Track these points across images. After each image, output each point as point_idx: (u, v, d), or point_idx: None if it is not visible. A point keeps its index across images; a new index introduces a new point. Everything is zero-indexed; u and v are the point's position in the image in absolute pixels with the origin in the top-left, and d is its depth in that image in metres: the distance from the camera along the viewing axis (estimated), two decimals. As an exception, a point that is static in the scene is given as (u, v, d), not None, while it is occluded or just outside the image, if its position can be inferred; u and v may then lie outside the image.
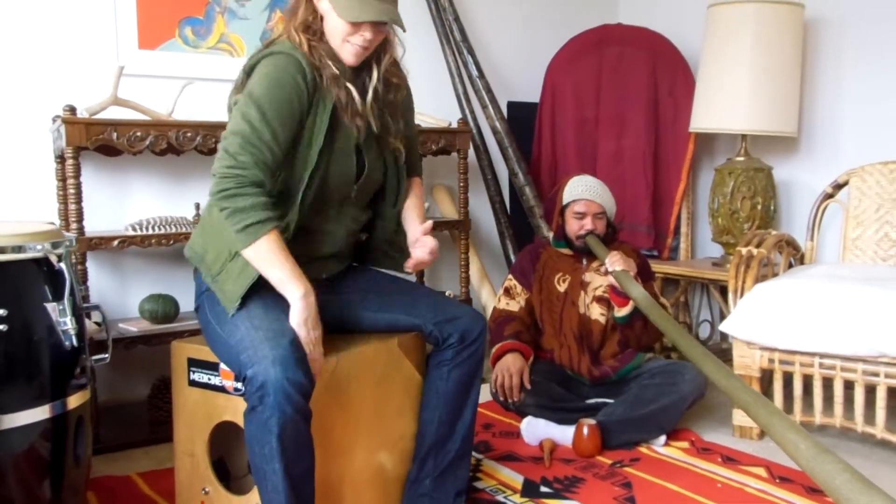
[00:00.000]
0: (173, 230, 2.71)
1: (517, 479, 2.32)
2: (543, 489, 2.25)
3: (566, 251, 2.86)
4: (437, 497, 2.01)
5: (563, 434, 2.55)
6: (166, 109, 2.77)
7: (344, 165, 1.85)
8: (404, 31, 1.83)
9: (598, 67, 3.77)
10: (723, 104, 3.29)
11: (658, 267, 3.46)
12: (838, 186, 3.12)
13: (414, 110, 2.07)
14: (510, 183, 3.74)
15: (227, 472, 1.94)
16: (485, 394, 2.28)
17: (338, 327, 2.00)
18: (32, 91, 2.76)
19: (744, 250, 2.75)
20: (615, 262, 2.57)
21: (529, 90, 3.93)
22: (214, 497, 1.88)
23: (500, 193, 3.69)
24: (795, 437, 1.42)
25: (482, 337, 1.99)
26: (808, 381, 2.54)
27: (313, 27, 1.80)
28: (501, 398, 2.68)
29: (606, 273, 2.61)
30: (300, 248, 1.77)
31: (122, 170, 2.93)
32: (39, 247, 1.68)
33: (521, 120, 3.82)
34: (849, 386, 2.45)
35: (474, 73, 3.56)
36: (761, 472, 2.36)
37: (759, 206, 3.35)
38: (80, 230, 2.51)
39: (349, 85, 1.80)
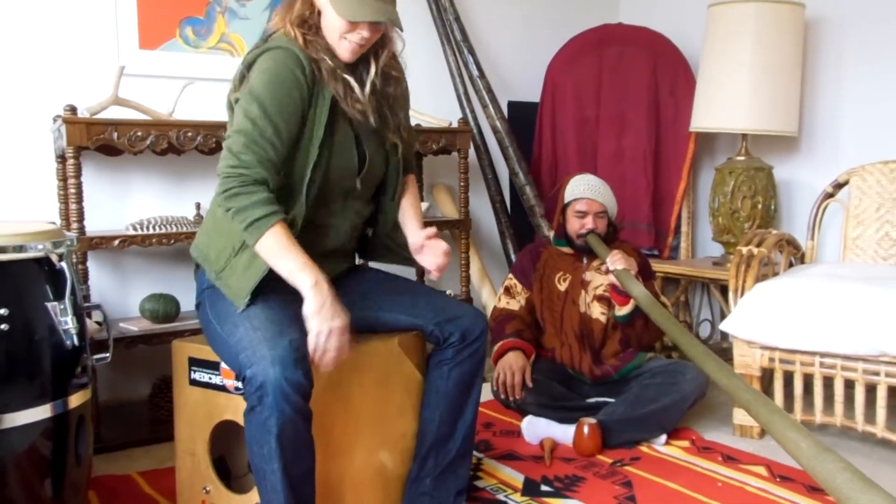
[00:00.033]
0: (174, 230, 2.71)
1: (518, 478, 2.32)
2: (544, 488, 2.25)
3: (567, 250, 2.86)
4: (438, 496, 2.01)
5: (564, 433, 2.55)
6: (167, 109, 2.77)
7: (345, 158, 1.85)
8: (402, 30, 1.83)
9: (598, 67, 3.77)
10: (723, 104, 3.29)
11: (658, 266, 3.46)
12: (839, 186, 3.12)
13: (409, 104, 2.07)
14: (511, 182, 3.75)
15: (228, 471, 1.94)
16: (486, 393, 2.28)
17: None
18: (33, 91, 2.76)
19: (744, 249, 2.75)
20: (616, 260, 2.57)
21: (530, 90, 3.93)
22: (215, 496, 1.88)
23: (501, 193, 3.69)
24: (796, 436, 1.42)
25: (483, 336, 1.99)
26: (808, 381, 2.54)
27: (309, 21, 1.80)
28: (503, 396, 2.68)
29: (607, 272, 2.61)
30: (305, 243, 1.77)
31: (123, 169, 2.94)
32: (40, 246, 1.68)
33: (521, 119, 3.82)
34: (849, 385, 2.45)
35: (475, 72, 3.56)
36: (762, 471, 2.36)
37: (760, 206, 3.35)
38: (81, 230, 2.51)
39: (347, 76, 1.80)
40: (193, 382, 1.89)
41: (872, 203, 3.01)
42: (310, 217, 1.81)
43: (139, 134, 2.56)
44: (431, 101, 3.49)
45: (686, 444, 2.58)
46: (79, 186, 2.50)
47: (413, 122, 2.56)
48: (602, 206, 2.79)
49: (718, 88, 3.30)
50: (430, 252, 1.97)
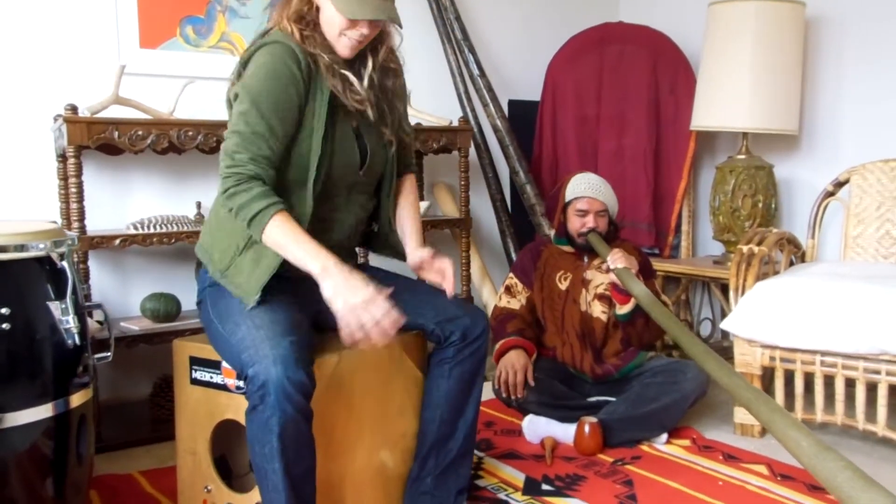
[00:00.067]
0: (175, 229, 2.71)
1: (518, 477, 2.32)
2: (545, 487, 2.25)
3: (567, 249, 2.86)
4: (439, 495, 2.01)
5: (565, 432, 2.55)
6: (168, 108, 2.77)
7: (347, 152, 1.85)
8: (401, 27, 1.83)
9: (598, 66, 3.77)
10: (724, 102, 3.29)
11: (659, 265, 3.46)
12: (839, 184, 3.12)
13: (407, 97, 2.06)
14: (511, 181, 3.75)
15: (229, 470, 1.94)
16: (487, 392, 2.28)
17: (335, 326, 2.00)
18: (34, 90, 2.76)
19: (745, 248, 2.75)
20: (617, 259, 2.57)
21: (530, 89, 3.93)
22: (216, 495, 1.88)
23: (501, 192, 3.69)
24: (797, 435, 1.42)
25: (484, 335, 1.99)
26: (809, 379, 2.54)
27: (307, 17, 1.80)
28: (505, 395, 2.68)
29: (608, 270, 2.61)
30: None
31: (124, 169, 2.94)
32: (42, 245, 1.68)
33: (521, 118, 3.82)
34: (850, 384, 2.45)
35: (475, 71, 3.56)
36: (763, 469, 2.36)
37: (760, 204, 3.35)
38: (82, 229, 2.51)
39: (345, 72, 1.80)
40: (194, 382, 1.89)
41: (873, 201, 3.01)
42: (315, 212, 1.81)
43: (140, 133, 2.56)
44: (432, 100, 3.49)
45: (687, 442, 2.59)
46: (80, 186, 2.50)
47: (413, 121, 2.56)
48: (603, 204, 2.79)
49: (719, 87, 3.30)
50: (436, 272, 1.95)
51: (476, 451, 2.42)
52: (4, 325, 1.58)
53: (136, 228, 2.68)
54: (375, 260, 2.27)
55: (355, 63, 1.86)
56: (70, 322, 1.69)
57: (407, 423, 2.05)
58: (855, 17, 3.36)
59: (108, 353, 1.93)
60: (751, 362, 2.60)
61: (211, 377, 1.85)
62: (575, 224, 2.80)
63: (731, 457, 2.47)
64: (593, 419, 2.50)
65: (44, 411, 1.65)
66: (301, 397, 1.59)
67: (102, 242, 2.56)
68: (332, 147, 1.81)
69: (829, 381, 2.49)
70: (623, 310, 2.67)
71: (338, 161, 1.83)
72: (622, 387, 2.69)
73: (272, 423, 1.57)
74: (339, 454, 1.86)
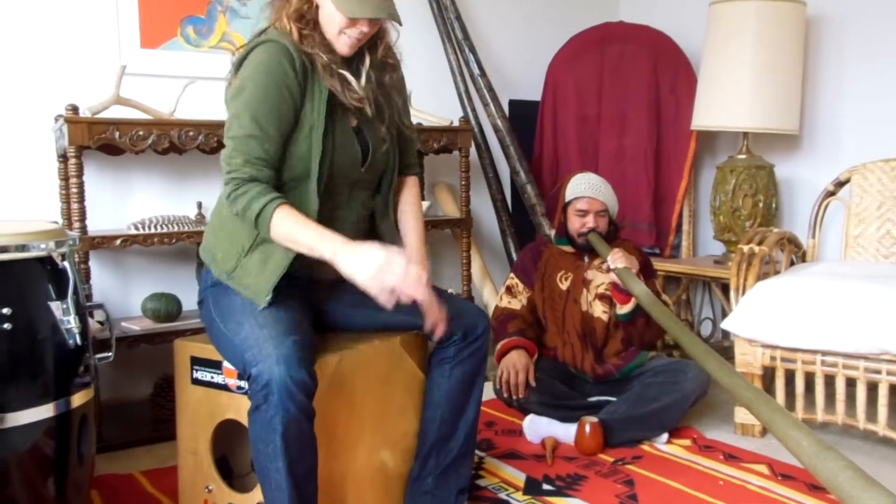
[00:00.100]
0: (175, 229, 2.71)
1: (519, 477, 2.32)
2: (546, 487, 2.25)
3: (568, 249, 2.86)
4: (440, 495, 2.02)
5: (566, 432, 2.55)
6: (168, 108, 2.77)
7: (349, 148, 1.85)
8: (401, 25, 1.83)
9: (599, 65, 3.77)
10: (724, 102, 3.29)
11: (660, 265, 3.46)
12: (840, 184, 3.12)
13: (406, 90, 2.05)
14: (511, 181, 3.75)
15: (230, 470, 1.94)
16: (487, 391, 2.29)
17: (340, 326, 2.01)
18: (35, 90, 2.76)
19: (745, 248, 2.76)
20: (617, 259, 2.57)
21: (531, 88, 3.93)
22: (217, 495, 1.88)
23: (502, 192, 3.69)
24: (797, 435, 1.42)
25: (485, 334, 1.99)
26: (810, 379, 2.54)
27: (307, 16, 1.79)
28: (506, 395, 2.68)
29: (608, 270, 2.61)
30: None
31: (125, 169, 2.94)
32: (43, 246, 1.68)
33: (522, 118, 3.82)
34: (851, 383, 2.45)
35: (476, 71, 3.56)
36: (763, 469, 2.36)
37: (761, 204, 3.35)
38: (83, 229, 2.52)
39: (342, 72, 1.80)
40: (195, 381, 1.89)
41: (874, 201, 3.01)
42: (318, 210, 1.81)
43: (141, 133, 2.57)
44: (432, 100, 3.49)
45: (688, 442, 2.59)
46: (80, 186, 2.50)
47: (414, 121, 2.56)
48: (603, 204, 2.79)
49: (719, 87, 3.30)
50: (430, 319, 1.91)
51: (477, 451, 2.42)
52: (6, 325, 1.59)
53: (136, 228, 2.68)
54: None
55: (353, 60, 1.86)
56: (71, 322, 1.69)
57: (408, 423, 2.05)
58: (855, 16, 3.36)
59: (110, 353, 1.93)
60: (752, 362, 2.60)
61: (212, 377, 1.85)
62: (575, 224, 2.80)
63: (732, 456, 2.47)
64: (594, 419, 2.50)
65: (45, 411, 1.65)
66: (304, 397, 1.59)
67: (103, 242, 2.56)
68: (333, 145, 1.81)
69: (829, 380, 2.49)
70: (623, 309, 2.67)
71: (339, 159, 1.82)
72: (623, 387, 2.69)
73: (275, 423, 1.57)
74: (339, 453, 1.86)
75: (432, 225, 3.25)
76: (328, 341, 1.90)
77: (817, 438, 1.40)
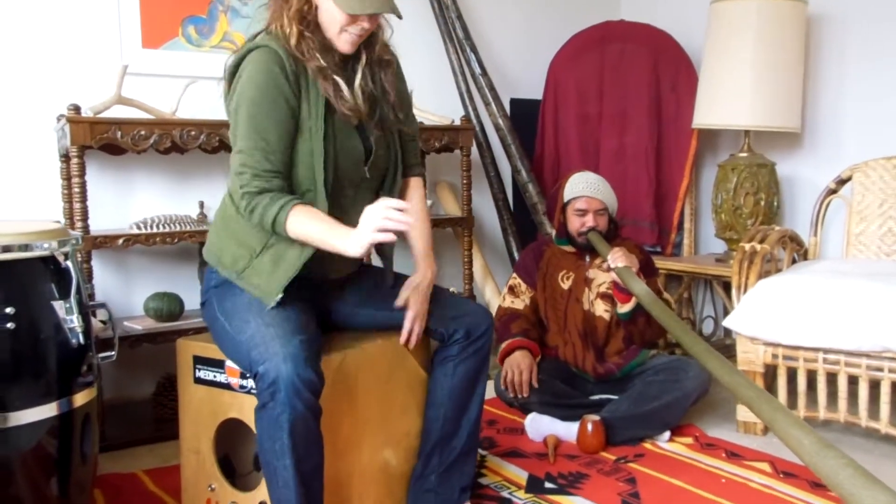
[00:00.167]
0: (178, 228, 2.72)
1: (521, 476, 2.32)
2: (548, 485, 2.26)
3: (569, 248, 2.86)
4: (443, 492, 2.02)
5: (568, 430, 2.55)
6: (170, 108, 2.78)
7: (350, 148, 1.85)
8: (400, 18, 1.83)
9: (600, 64, 3.77)
10: (726, 100, 3.29)
11: (661, 263, 3.46)
12: (841, 182, 3.12)
13: (405, 82, 2.05)
14: (513, 180, 3.75)
15: (233, 469, 1.95)
16: (489, 390, 2.29)
17: (344, 326, 2.01)
18: (37, 90, 2.77)
19: (747, 246, 2.76)
20: (617, 258, 2.57)
21: (532, 87, 3.93)
22: (220, 494, 1.88)
23: (503, 190, 3.70)
24: (799, 433, 1.42)
25: (488, 332, 2.00)
26: (811, 377, 2.54)
27: (308, 17, 1.79)
28: (512, 394, 2.67)
29: (609, 269, 2.61)
30: None
31: (127, 168, 2.94)
32: (46, 245, 1.68)
33: (523, 117, 3.82)
34: (853, 381, 2.45)
35: (477, 70, 3.56)
36: (765, 467, 2.36)
37: (763, 202, 3.35)
38: (86, 229, 2.52)
39: (336, 77, 1.79)
40: (198, 381, 1.90)
41: (875, 199, 3.01)
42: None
43: (142, 133, 2.57)
44: (434, 99, 3.50)
45: (690, 440, 2.59)
46: (83, 185, 2.51)
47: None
48: (602, 203, 2.79)
49: (721, 85, 3.30)
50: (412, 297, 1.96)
51: (479, 450, 2.43)
52: (9, 325, 1.59)
53: (139, 228, 2.69)
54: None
55: (349, 60, 1.86)
56: (74, 321, 1.70)
57: (410, 422, 2.05)
58: (857, 14, 3.35)
59: (112, 353, 1.93)
60: (753, 360, 2.60)
61: (214, 376, 1.86)
62: (575, 224, 2.79)
63: (734, 454, 2.47)
64: (596, 417, 2.51)
65: (48, 410, 1.66)
66: (310, 395, 1.60)
67: (106, 242, 2.56)
68: (335, 145, 1.81)
69: (831, 378, 2.49)
70: (624, 308, 2.67)
71: (342, 159, 1.82)
72: (624, 385, 2.69)
73: (282, 420, 1.58)
74: (343, 452, 1.86)
75: (434, 224, 3.24)
76: (331, 340, 1.90)
77: (818, 437, 1.40)
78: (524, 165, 3.58)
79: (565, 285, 2.81)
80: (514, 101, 3.89)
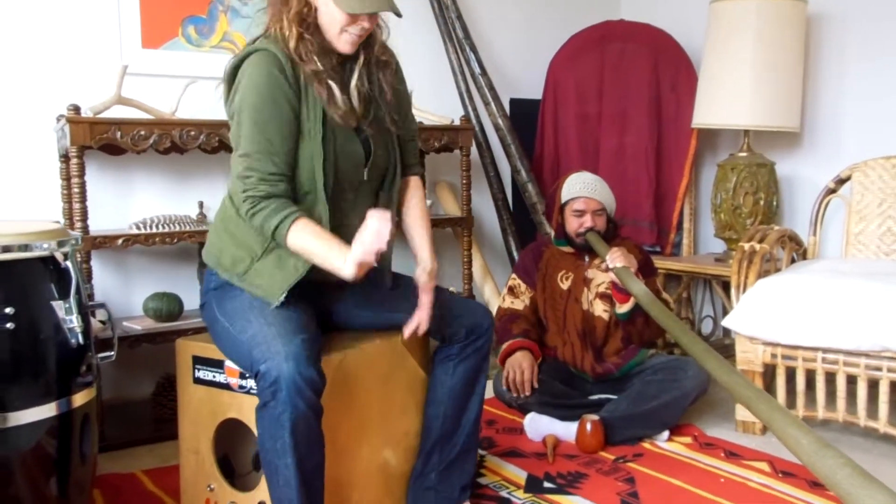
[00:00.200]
0: (177, 228, 2.72)
1: (521, 475, 2.33)
2: (547, 485, 2.26)
3: (568, 249, 2.86)
4: (443, 490, 2.02)
5: (567, 430, 2.55)
6: (170, 108, 2.78)
7: (350, 150, 1.84)
8: (400, 16, 1.83)
9: (600, 64, 3.77)
10: (725, 100, 3.29)
11: (660, 263, 3.46)
12: (841, 181, 3.12)
13: (405, 82, 2.05)
14: (513, 180, 3.75)
15: (232, 469, 1.95)
16: (488, 390, 2.29)
17: (343, 326, 2.01)
18: (36, 90, 2.77)
19: (746, 246, 2.76)
20: (616, 258, 2.57)
21: (532, 87, 3.93)
22: (219, 494, 1.89)
23: (503, 190, 3.70)
24: (797, 433, 1.42)
25: (489, 331, 2.00)
26: (810, 376, 2.54)
27: (308, 20, 1.79)
28: (514, 394, 2.67)
29: (607, 269, 2.61)
30: None
31: (126, 168, 2.94)
32: (46, 245, 1.69)
33: (523, 117, 3.82)
34: (851, 380, 2.45)
35: (476, 70, 3.56)
36: (764, 466, 2.36)
37: (762, 202, 3.35)
38: (85, 229, 2.52)
39: (329, 82, 1.79)
40: (197, 381, 1.90)
41: (875, 198, 3.01)
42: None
43: (142, 133, 2.57)
44: (433, 99, 3.50)
45: (688, 440, 2.59)
46: (82, 186, 2.51)
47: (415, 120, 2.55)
48: (599, 203, 2.78)
49: (720, 85, 3.30)
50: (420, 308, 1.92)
51: (478, 450, 2.43)
52: (9, 325, 1.59)
53: (138, 228, 2.69)
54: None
55: (346, 63, 1.86)
56: (74, 321, 1.70)
57: (409, 422, 2.05)
58: (856, 14, 3.35)
59: (112, 353, 1.93)
60: (752, 360, 2.60)
61: (214, 376, 1.86)
62: (573, 225, 2.79)
63: (733, 454, 2.47)
64: (595, 417, 2.51)
65: (47, 410, 1.66)
66: (312, 394, 1.61)
67: (105, 242, 2.57)
68: (335, 148, 1.81)
69: (830, 378, 2.49)
70: (622, 308, 2.67)
71: (342, 161, 1.82)
72: (623, 385, 2.69)
73: (284, 419, 1.59)
74: (342, 452, 1.86)
75: (433, 224, 3.23)
76: (331, 341, 1.90)
77: (816, 436, 1.40)
78: (524, 165, 3.58)
79: (564, 285, 2.81)
80: (513, 101, 3.89)
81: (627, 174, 3.71)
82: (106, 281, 2.90)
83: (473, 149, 3.46)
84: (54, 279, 1.70)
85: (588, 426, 2.48)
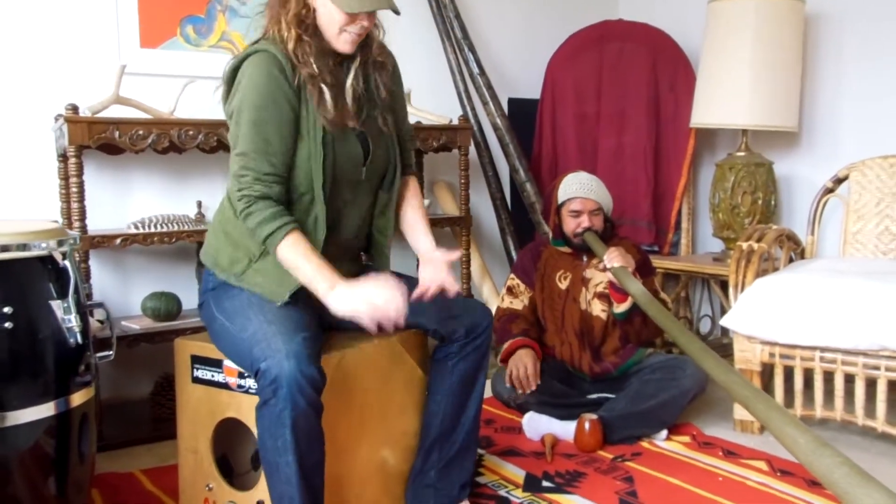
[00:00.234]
0: (175, 228, 2.72)
1: (519, 474, 2.33)
2: (545, 484, 2.26)
3: (565, 249, 2.86)
4: (442, 488, 2.02)
5: (565, 429, 2.56)
6: (168, 108, 2.78)
7: (349, 149, 1.85)
8: (398, 14, 1.83)
9: (598, 63, 3.77)
10: (723, 99, 3.29)
11: (659, 262, 3.46)
12: (839, 181, 3.12)
13: (402, 82, 2.05)
14: (511, 179, 3.75)
15: (231, 469, 1.95)
16: (487, 389, 2.29)
17: (342, 325, 2.01)
18: (35, 90, 2.77)
19: (744, 245, 2.76)
20: (613, 258, 2.57)
21: (530, 87, 3.93)
22: (218, 493, 1.89)
23: (501, 190, 3.70)
24: (794, 432, 1.42)
25: (488, 330, 2.00)
26: (808, 375, 2.55)
27: (306, 21, 1.79)
28: (520, 390, 2.67)
29: (605, 269, 2.62)
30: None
31: (125, 168, 2.94)
32: (44, 245, 1.68)
33: (521, 116, 3.82)
34: (849, 379, 2.46)
35: (475, 69, 3.56)
36: (762, 465, 2.37)
37: (760, 201, 3.35)
38: (83, 228, 2.52)
39: (322, 85, 1.78)
40: (196, 380, 1.90)
41: (872, 198, 3.02)
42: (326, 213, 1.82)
43: (140, 133, 2.57)
44: (432, 99, 3.50)
45: (687, 439, 2.59)
46: (80, 185, 2.51)
47: (413, 120, 2.56)
48: (596, 203, 2.78)
49: (719, 84, 3.30)
50: (430, 266, 1.92)
51: (477, 448, 2.43)
52: (7, 324, 1.59)
53: (136, 228, 2.69)
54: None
55: (343, 64, 1.86)
56: (72, 321, 1.70)
57: (408, 422, 2.05)
58: (855, 13, 3.36)
59: (110, 352, 1.93)
60: (750, 359, 2.61)
61: (212, 376, 1.86)
62: (570, 225, 2.79)
63: (731, 453, 2.47)
64: (593, 416, 2.51)
65: (46, 410, 1.66)
66: (313, 391, 1.61)
67: (103, 242, 2.57)
68: (333, 148, 1.81)
69: (828, 377, 2.50)
70: (620, 308, 2.67)
71: (341, 161, 1.83)
72: (621, 384, 2.70)
73: (284, 417, 1.59)
74: (341, 451, 1.87)
75: (432, 223, 3.22)
76: (330, 340, 1.90)
77: (814, 435, 1.41)
78: (522, 165, 3.59)
79: (563, 285, 2.81)
80: (512, 101, 3.89)
81: (626, 174, 3.71)
82: (104, 280, 2.90)
83: (472, 148, 3.46)
84: (53, 278, 1.70)
85: (586, 425, 2.48)
